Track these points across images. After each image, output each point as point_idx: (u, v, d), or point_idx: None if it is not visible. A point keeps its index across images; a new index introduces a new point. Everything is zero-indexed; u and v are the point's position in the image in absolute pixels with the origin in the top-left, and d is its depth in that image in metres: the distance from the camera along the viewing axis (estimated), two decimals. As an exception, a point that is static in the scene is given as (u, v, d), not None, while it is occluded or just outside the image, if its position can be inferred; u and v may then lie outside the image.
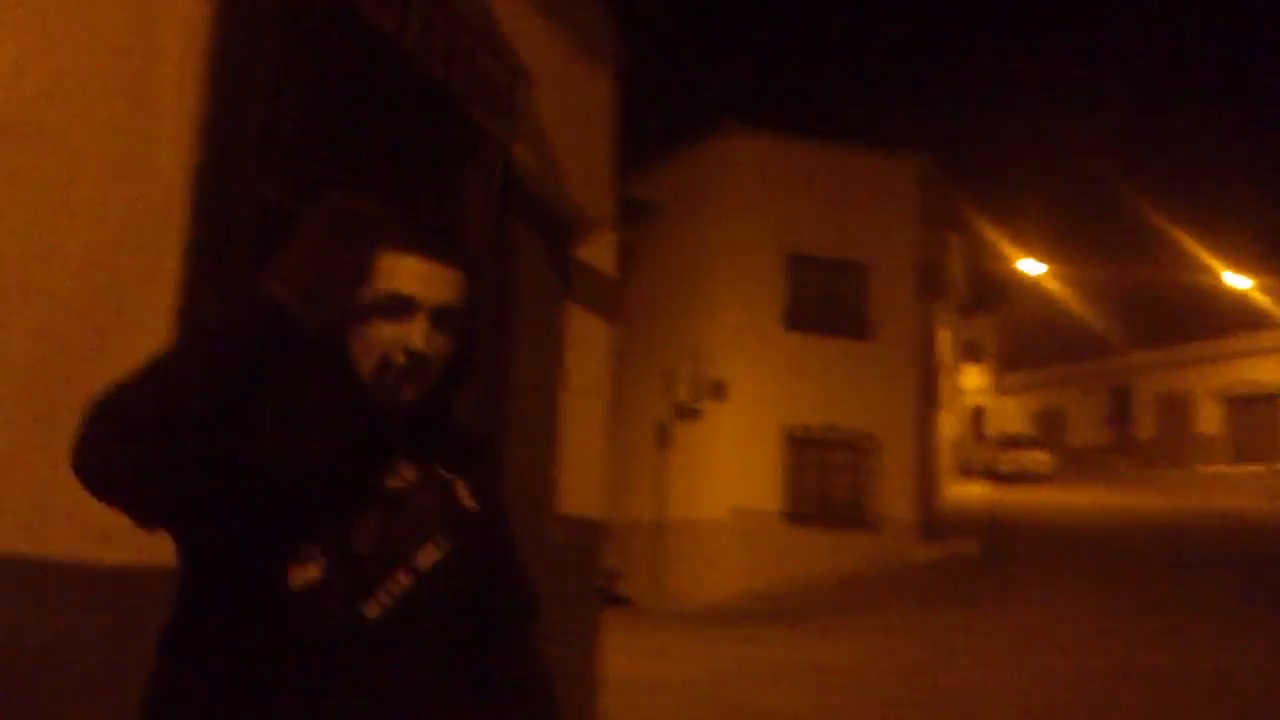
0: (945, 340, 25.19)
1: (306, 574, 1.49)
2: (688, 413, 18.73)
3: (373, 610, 1.52)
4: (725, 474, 18.50)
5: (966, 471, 30.23)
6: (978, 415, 38.07)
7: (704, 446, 18.64)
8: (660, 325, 19.69)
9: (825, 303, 19.22)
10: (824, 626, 13.19)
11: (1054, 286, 32.59)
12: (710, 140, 19.56)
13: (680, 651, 11.52)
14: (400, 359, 1.56)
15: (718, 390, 18.45)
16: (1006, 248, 27.92)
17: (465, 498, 1.68)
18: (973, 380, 37.32)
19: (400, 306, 1.57)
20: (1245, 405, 31.21)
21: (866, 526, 18.72)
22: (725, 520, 18.22)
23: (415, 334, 1.56)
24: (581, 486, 5.40)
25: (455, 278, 1.61)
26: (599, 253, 5.54)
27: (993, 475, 29.34)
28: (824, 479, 18.86)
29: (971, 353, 36.58)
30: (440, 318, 1.58)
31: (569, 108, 5.10)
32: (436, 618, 1.60)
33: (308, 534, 1.51)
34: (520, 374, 4.74)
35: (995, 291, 35.38)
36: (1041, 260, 29.37)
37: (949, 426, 27.14)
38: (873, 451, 19.01)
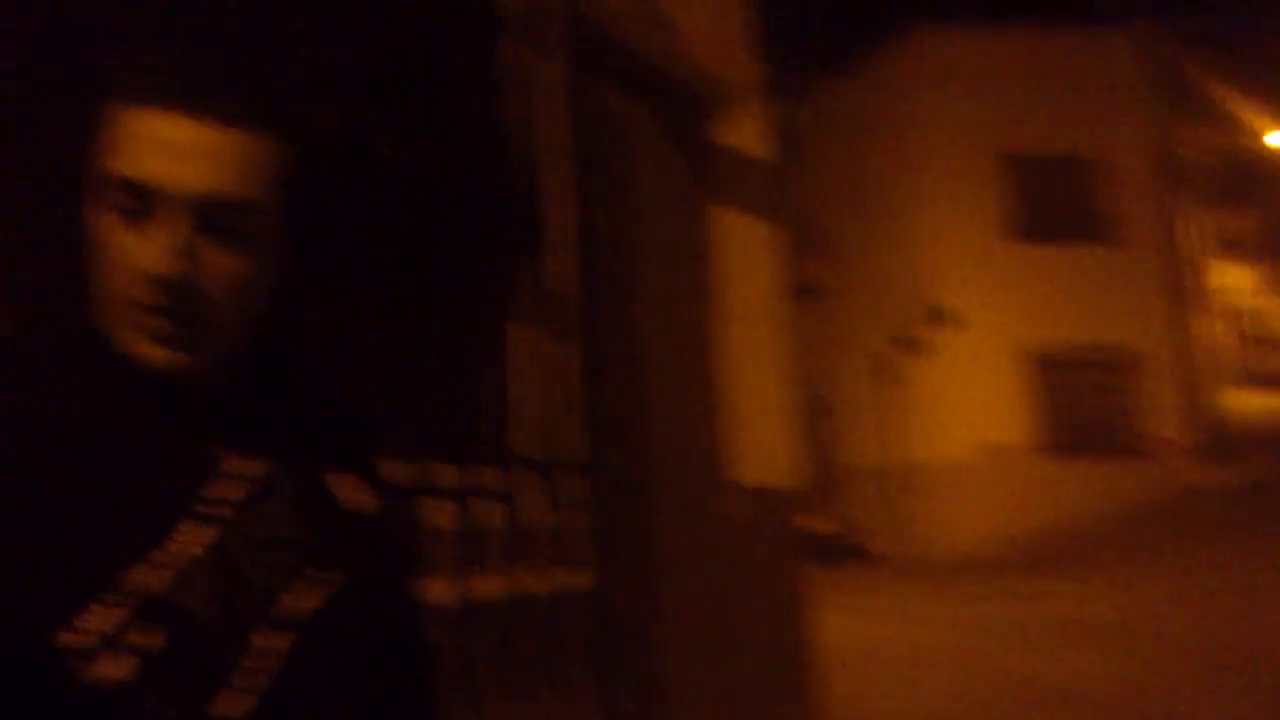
0: (1196, 236, 23.31)
1: (105, 671, 0.99)
2: (910, 343, 17.92)
3: (233, 705, 1.03)
4: (962, 407, 17.57)
5: (1243, 380, 27.94)
6: (1242, 317, 35.53)
7: (935, 379, 17.79)
8: (867, 249, 18.94)
9: (1053, 207, 18.11)
10: (1104, 574, 11.90)
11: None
12: (897, 43, 18.52)
13: (933, 611, 10.60)
14: (140, 294, 1.04)
15: (942, 315, 17.57)
16: (1263, 123, 24.94)
17: (350, 493, 1.18)
18: (1234, 278, 34.65)
19: (138, 206, 1.04)
20: None
21: (1134, 453, 17.47)
22: (969, 458, 17.32)
23: (155, 247, 1.04)
24: (763, 444, 4.13)
25: (247, 146, 1.07)
26: (747, 134, 4.22)
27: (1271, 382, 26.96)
28: (1078, 403, 17.74)
29: (1230, 248, 33.81)
30: (214, 216, 1.06)
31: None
32: (324, 696, 1.10)
33: (91, 607, 0.99)
34: (646, 303, 3.46)
35: (1252, 175, 32.05)
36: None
37: (1211, 332, 25.44)
38: (1130, 367, 17.79)
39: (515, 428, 2.74)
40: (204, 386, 1.12)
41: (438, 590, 2.38)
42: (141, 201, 1.06)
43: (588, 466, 2.91)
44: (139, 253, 1.06)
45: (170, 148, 1.07)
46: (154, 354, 1.07)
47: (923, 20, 18.24)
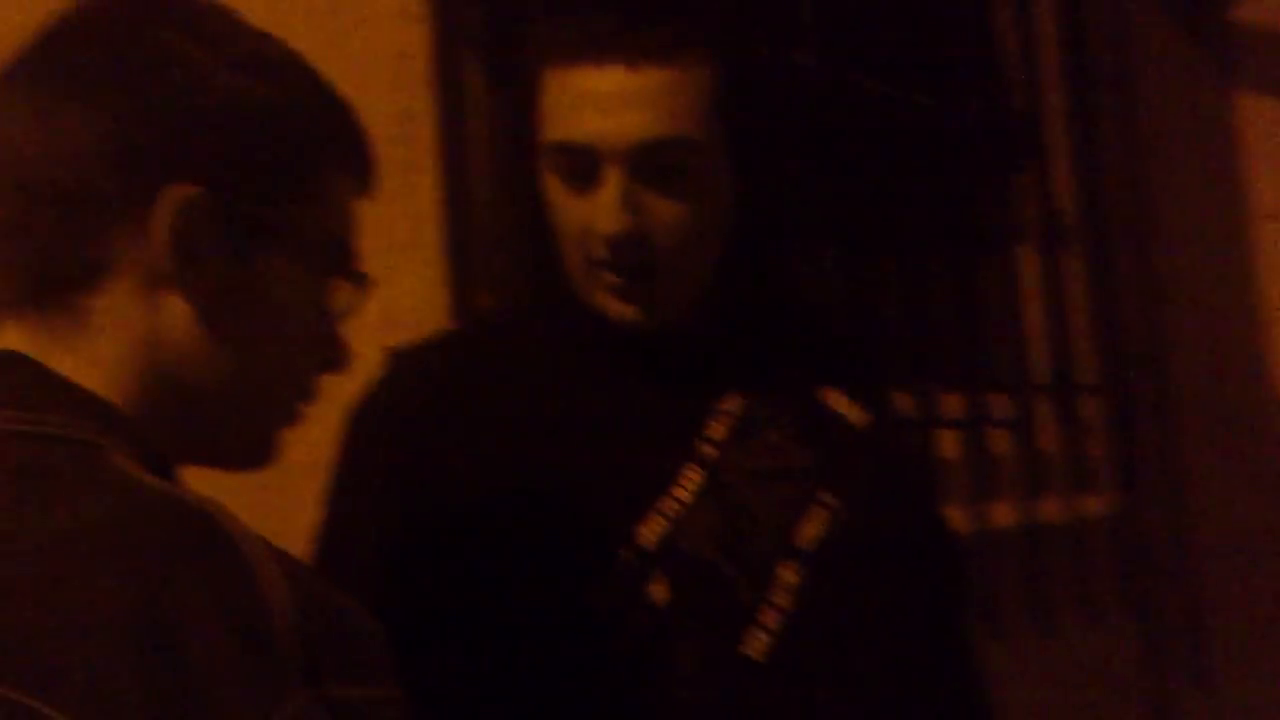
0: None
1: (632, 626, 1.02)
2: None
3: (756, 646, 1.03)
4: None
5: None
6: None
7: None
8: None
9: None
10: None
11: None
12: None
13: None
14: (597, 253, 1.04)
15: None
16: None
17: (843, 407, 1.15)
18: None
19: (577, 167, 1.04)
20: None
21: None
22: None
23: (599, 206, 1.03)
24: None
25: (668, 84, 1.01)
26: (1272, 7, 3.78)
27: None
28: None
29: None
30: (652, 162, 1.02)
31: None
32: (848, 628, 1.07)
33: (611, 565, 1.03)
34: (1161, 212, 3.20)
35: None
36: None
37: None
38: None
39: (1026, 352, 2.65)
40: (682, 330, 1.10)
41: (952, 519, 2.36)
42: (579, 162, 1.05)
43: (1103, 388, 2.76)
44: (586, 213, 1.05)
45: (592, 102, 1.03)
46: (623, 310, 1.07)
47: None
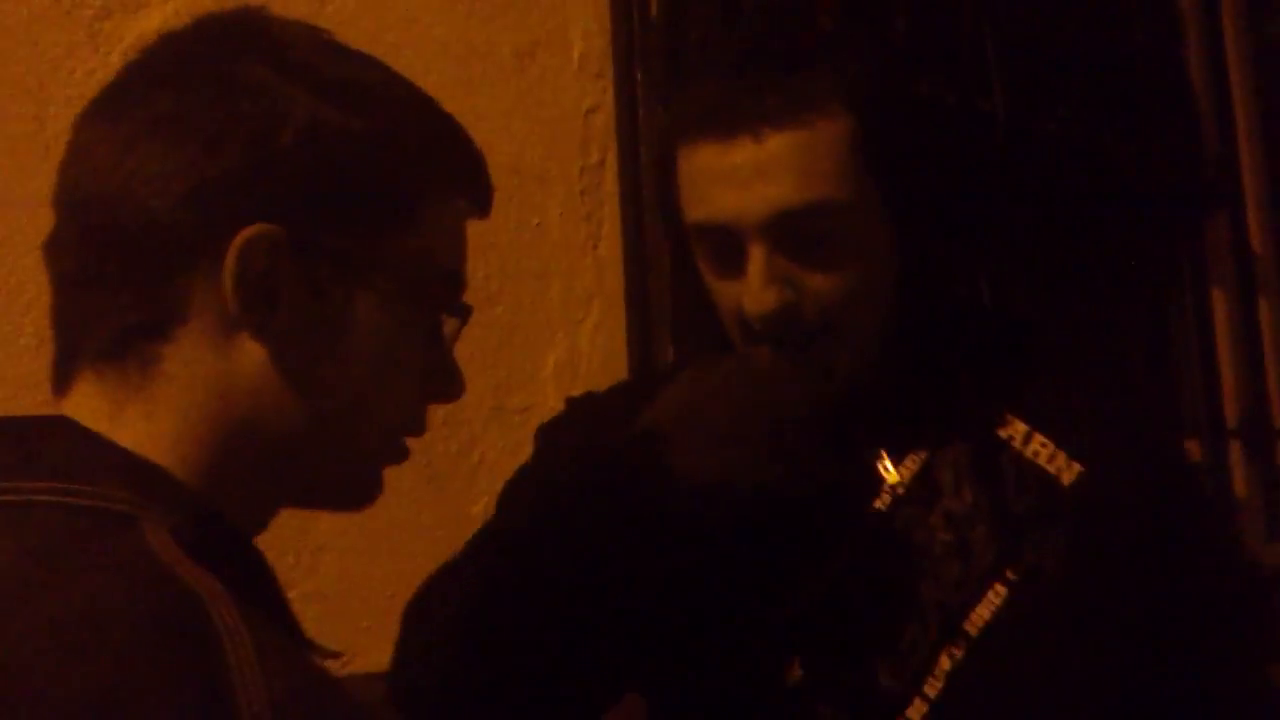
0: None
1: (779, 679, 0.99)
2: None
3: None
4: None
5: None
6: None
7: None
8: None
9: None
10: None
11: None
12: None
13: None
14: (755, 329, 1.00)
15: None
16: None
17: (1046, 460, 1.03)
18: None
19: (720, 246, 1.00)
20: None
21: None
22: None
23: (749, 287, 0.98)
24: None
25: (804, 144, 0.95)
26: None
27: None
28: None
29: None
30: (790, 234, 0.97)
31: None
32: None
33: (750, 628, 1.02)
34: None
35: None
36: None
37: None
38: None
39: (1219, 396, 2.54)
40: (859, 390, 1.04)
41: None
42: (720, 241, 1.00)
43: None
44: (737, 292, 1.00)
45: (723, 179, 0.98)
46: (806, 382, 1.01)
47: None
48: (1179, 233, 2.30)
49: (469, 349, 1.72)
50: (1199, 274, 2.27)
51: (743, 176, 0.97)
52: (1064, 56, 2.28)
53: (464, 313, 0.80)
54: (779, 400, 0.97)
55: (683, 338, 1.83)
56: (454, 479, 1.71)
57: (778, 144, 0.96)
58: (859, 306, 1.01)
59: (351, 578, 1.65)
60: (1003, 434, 1.05)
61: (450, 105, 1.71)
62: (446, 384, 0.80)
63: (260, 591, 0.68)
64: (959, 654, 0.99)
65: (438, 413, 1.72)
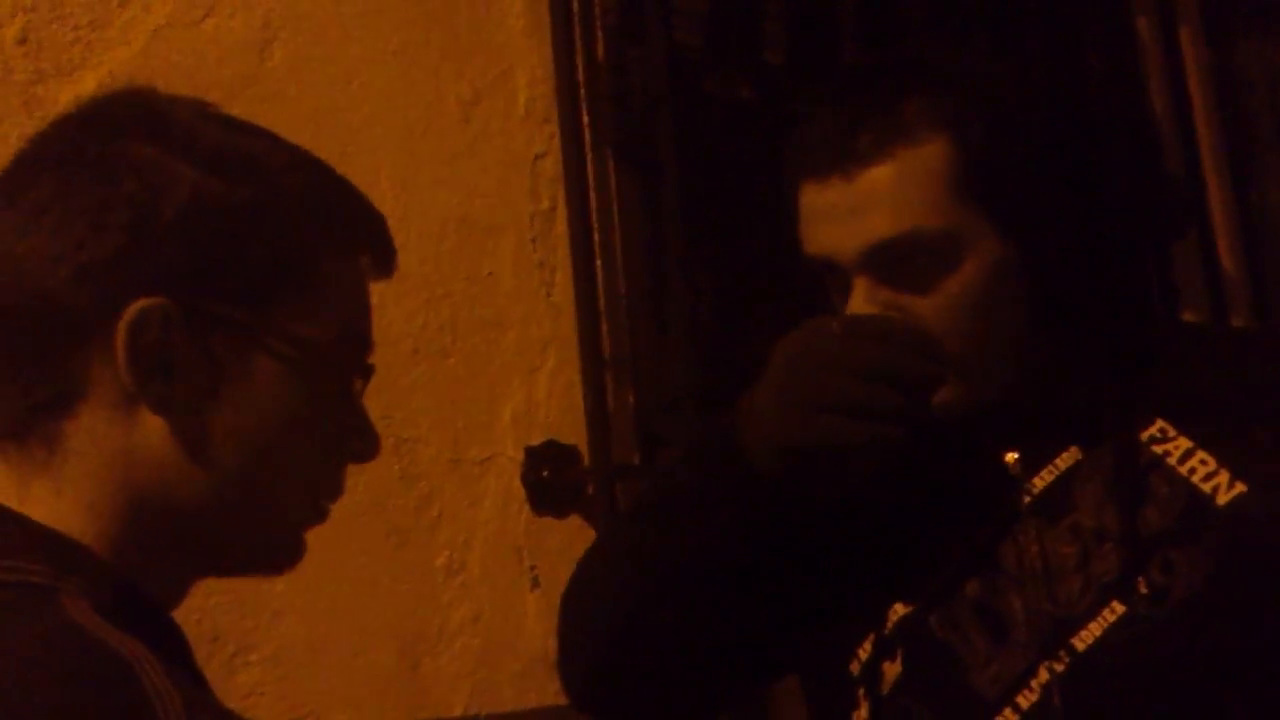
0: None
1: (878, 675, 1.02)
2: None
3: None
4: None
5: None
6: None
7: None
8: None
9: None
10: None
11: None
12: None
13: None
14: None
15: None
16: None
17: (1201, 478, 1.00)
18: None
19: (832, 280, 1.05)
20: None
21: None
22: None
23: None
24: None
25: (895, 177, 0.99)
26: None
27: None
28: None
29: None
30: (888, 266, 1.00)
31: None
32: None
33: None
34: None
35: None
36: None
37: None
38: None
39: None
40: (997, 406, 1.04)
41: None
42: (830, 275, 1.05)
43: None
44: None
45: (821, 217, 1.03)
46: (919, 413, 1.00)
47: None
48: (1146, 258, 2.29)
49: (424, 401, 1.73)
50: (1169, 296, 2.26)
51: (838, 214, 1.01)
52: (1022, 83, 2.27)
53: (367, 374, 0.80)
54: (854, 360, 0.97)
55: (642, 381, 1.81)
56: (414, 534, 1.69)
57: (867, 180, 1.00)
58: (970, 332, 1.01)
59: (313, 639, 1.62)
60: (1158, 449, 1.03)
61: (396, 157, 1.73)
62: (360, 444, 0.80)
63: (178, 661, 0.68)
64: (1059, 668, 0.98)
65: (394, 467, 1.73)
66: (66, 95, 1.52)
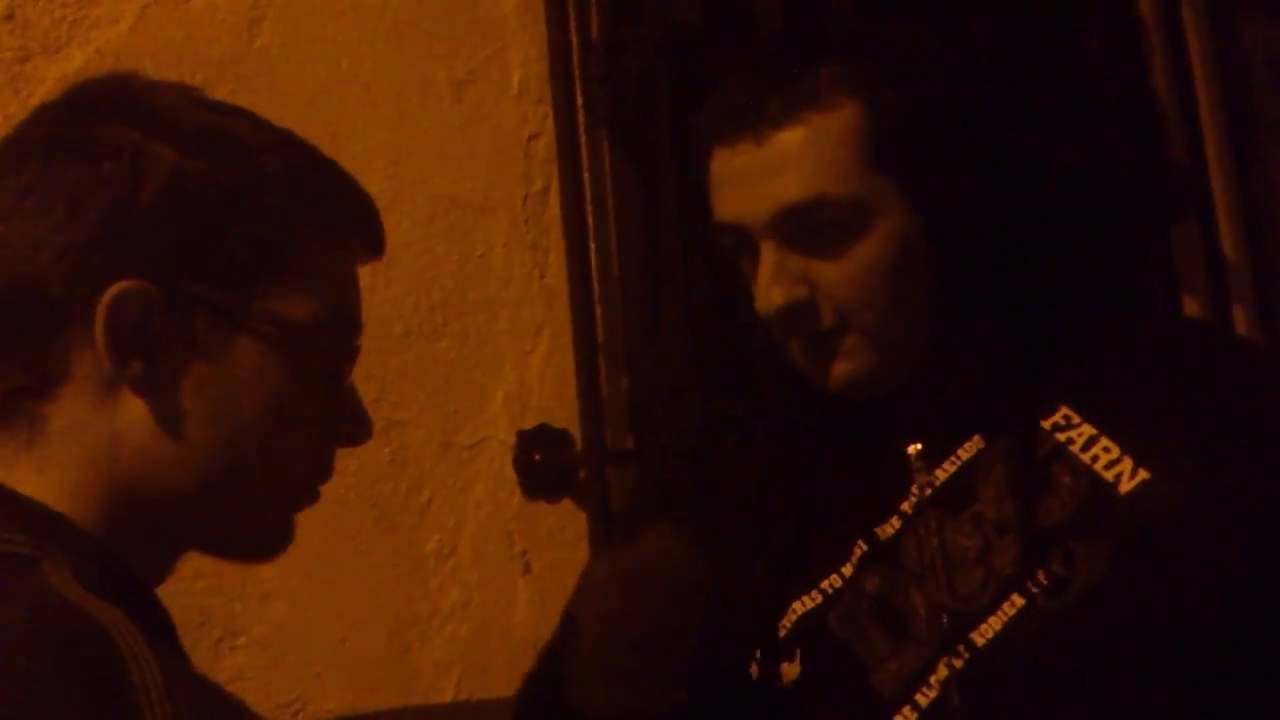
0: None
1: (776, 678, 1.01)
2: None
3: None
4: None
5: None
6: None
7: None
8: None
9: None
10: None
11: None
12: None
13: None
14: (784, 327, 1.02)
15: None
16: None
17: (1103, 466, 0.97)
18: None
19: (739, 246, 1.04)
20: None
21: None
22: None
23: (759, 286, 1.00)
24: None
25: (805, 141, 0.97)
26: None
27: None
28: None
29: None
30: (796, 230, 0.99)
31: None
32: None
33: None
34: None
35: None
36: None
37: None
38: None
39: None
40: (901, 386, 1.03)
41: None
42: (738, 241, 1.03)
43: None
44: (759, 290, 1.02)
45: (730, 181, 1.02)
46: (836, 373, 1.02)
47: None
48: (1147, 243, 2.27)
49: (415, 385, 1.72)
50: (1169, 281, 2.24)
51: (748, 178, 1.00)
52: (1026, 64, 2.25)
53: (353, 355, 0.79)
54: (622, 626, 0.98)
55: (636, 366, 1.80)
56: (404, 518, 1.68)
57: (778, 145, 0.99)
58: (879, 301, 1.00)
59: (301, 623, 1.61)
60: (1060, 437, 1.00)
61: (388, 137, 1.71)
62: (350, 426, 0.79)
63: (160, 635, 0.67)
64: (958, 664, 0.96)
65: (384, 450, 1.72)
66: (53, 73, 1.51)
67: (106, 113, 0.72)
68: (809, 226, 0.99)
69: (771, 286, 0.99)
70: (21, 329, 0.70)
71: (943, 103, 1.02)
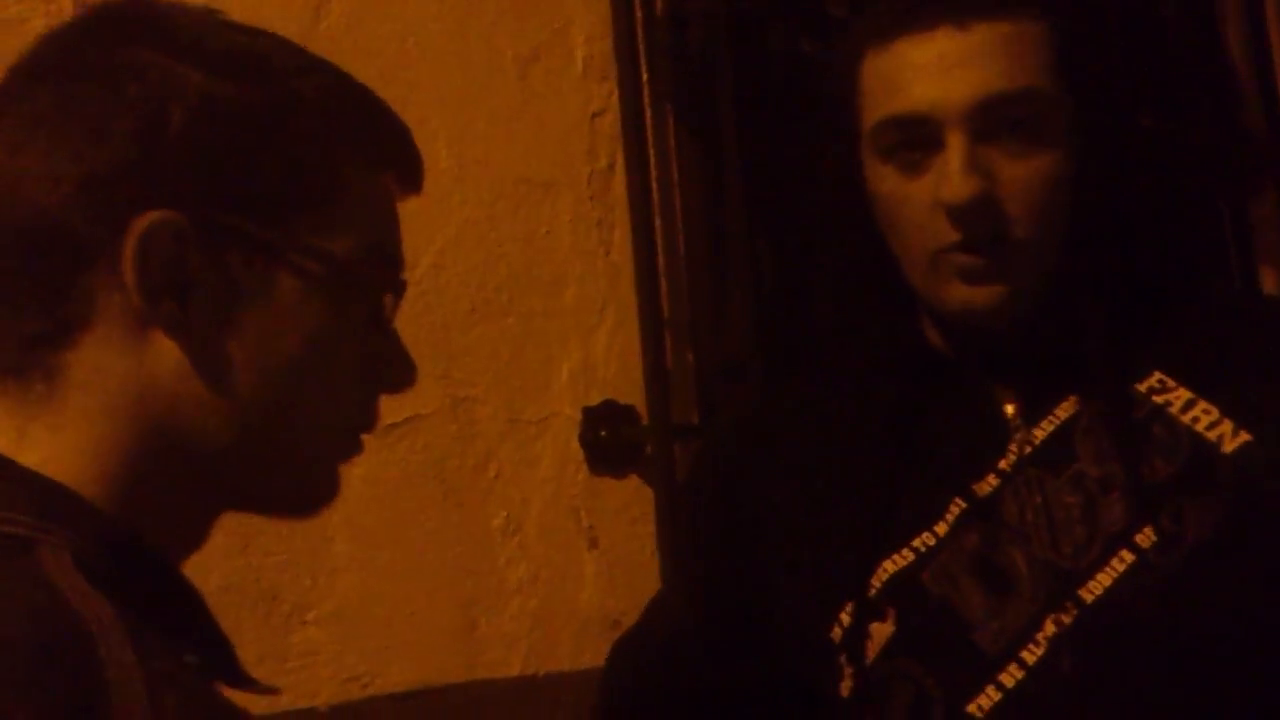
0: None
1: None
2: None
3: (983, 703, 0.94)
4: None
5: None
6: None
7: None
8: None
9: None
10: None
11: None
12: None
13: None
14: (943, 236, 0.97)
15: None
16: None
17: (1206, 426, 0.97)
18: None
19: (913, 141, 0.98)
20: None
21: None
22: None
23: (942, 179, 0.96)
24: None
25: (1010, 35, 0.96)
26: None
27: None
28: None
29: None
30: (994, 122, 0.96)
31: None
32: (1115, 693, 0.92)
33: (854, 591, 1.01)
34: None
35: None
36: None
37: None
38: None
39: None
40: (1022, 318, 1.01)
41: None
42: (915, 135, 0.99)
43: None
44: (927, 190, 0.98)
45: (923, 68, 0.98)
46: (972, 296, 0.99)
47: None
48: (1223, 214, 2.22)
49: (482, 362, 1.73)
50: (1245, 251, 2.19)
51: (947, 64, 0.97)
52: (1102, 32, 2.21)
53: (400, 291, 0.74)
54: None
55: (701, 341, 1.79)
56: (471, 494, 1.69)
57: (984, 32, 0.97)
58: (1043, 217, 0.98)
59: (370, 598, 1.63)
60: (1158, 399, 1.00)
61: (452, 115, 1.72)
62: (395, 370, 0.73)
63: (177, 616, 0.63)
64: (1066, 620, 0.95)
65: (451, 427, 1.73)
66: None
67: (126, 35, 0.66)
68: (1005, 121, 0.97)
69: (967, 174, 0.96)
70: (38, 270, 0.64)
71: (1114, 38, 1.02)
